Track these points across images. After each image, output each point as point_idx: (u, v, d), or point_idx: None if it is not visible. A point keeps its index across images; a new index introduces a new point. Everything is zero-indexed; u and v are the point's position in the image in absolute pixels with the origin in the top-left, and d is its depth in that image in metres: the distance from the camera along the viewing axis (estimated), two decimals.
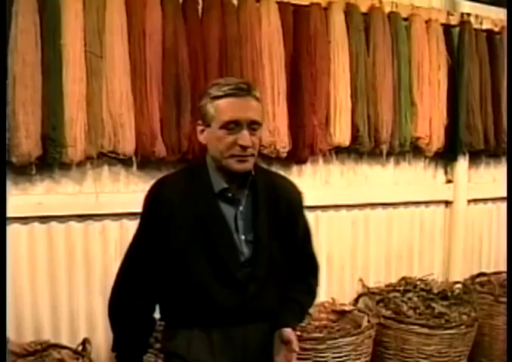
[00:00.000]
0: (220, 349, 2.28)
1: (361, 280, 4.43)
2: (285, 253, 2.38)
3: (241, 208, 2.29)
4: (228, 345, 2.28)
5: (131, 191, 3.62)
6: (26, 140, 3.17)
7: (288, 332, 2.29)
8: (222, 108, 2.18)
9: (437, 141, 4.50)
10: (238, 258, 2.26)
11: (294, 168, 4.14)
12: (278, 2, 3.88)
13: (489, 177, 5.07)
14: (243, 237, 2.27)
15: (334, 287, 4.35)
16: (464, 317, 4.03)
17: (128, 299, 2.30)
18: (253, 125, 2.20)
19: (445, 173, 4.84)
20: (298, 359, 3.37)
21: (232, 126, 2.17)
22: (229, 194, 2.27)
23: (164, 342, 2.46)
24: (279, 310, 2.36)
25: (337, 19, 4.05)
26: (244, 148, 2.18)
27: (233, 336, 2.28)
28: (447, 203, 4.85)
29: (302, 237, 2.49)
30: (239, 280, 2.24)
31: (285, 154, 3.89)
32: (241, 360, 2.30)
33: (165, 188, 2.28)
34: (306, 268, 2.54)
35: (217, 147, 2.20)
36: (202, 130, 2.27)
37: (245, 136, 2.17)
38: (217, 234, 2.24)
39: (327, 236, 4.33)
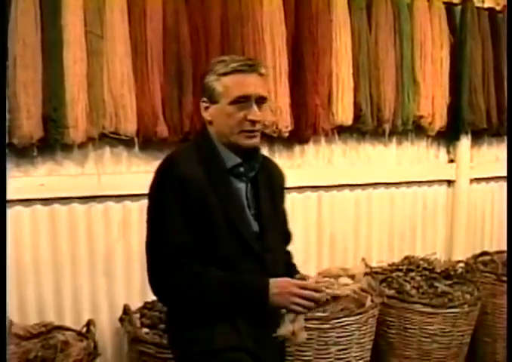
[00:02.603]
0: (244, 324, 2.29)
1: (364, 259, 4.42)
2: (280, 229, 2.49)
3: (249, 184, 2.34)
4: (250, 321, 2.29)
5: (133, 172, 3.60)
6: (28, 121, 3.16)
7: None
8: (232, 84, 2.23)
9: (440, 120, 4.50)
10: (252, 232, 2.31)
11: (297, 148, 4.12)
12: None
13: (492, 156, 5.06)
14: (252, 211, 2.33)
15: None
16: (467, 296, 4.04)
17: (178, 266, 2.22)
18: (260, 100, 2.27)
19: (448, 152, 4.83)
20: None
21: (242, 101, 2.23)
22: (242, 169, 2.32)
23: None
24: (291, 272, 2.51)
25: None
26: (253, 122, 2.24)
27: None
28: (449, 182, 4.84)
29: (285, 216, 2.60)
30: (256, 252, 2.28)
31: (287, 134, 3.88)
32: (259, 334, 2.31)
33: (181, 164, 2.25)
34: (288, 242, 2.66)
35: (227, 123, 2.25)
36: (207, 107, 2.30)
37: (255, 111, 2.24)
38: (233, 209, 2.28)
39: (330, 216, 4.32)
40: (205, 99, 2.30)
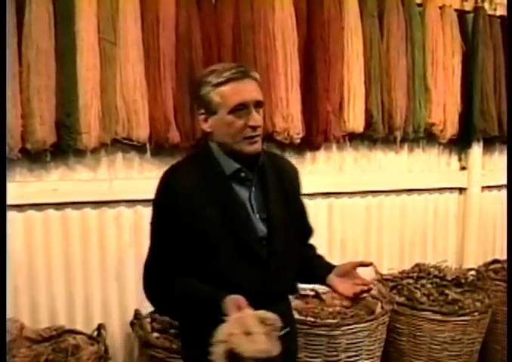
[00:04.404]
0: None
1: (374, 266, 4.41)
2: (295, 229, 2.44)
3: (253, 188, 2.32)
4: None
5: (144, 178, 3.62)
6: (41, 127, 3.19)
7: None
8: (228, 93, 2.21)
9: (451, 127, 4.49)
10: (257, 236, 2.29)
11: (308, 154, 4.13)
12: None
13: (503, 164, 5.03)
14: (258, 215, 2.31)
15: None
16: (478, 303, 4.03)
17: (162, 280, 2.30)
18: (258, 105, 2.26)
19: (459, 159, 4.82)
20: (311, 345, 3.42)
21: (241, 109, 2.21)
22: (243, 175, 2.30)
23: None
24: (316, 263, 2.52)
25: (351, 5, 4.04)
26: (254, 128, 2.23)
27: None
28: (461, 189, 4.83)
29: (303, 211, 2.57)
30: (261, 256, 2.27)
31: (298, 141, 3.89)
32: None
33: (178, 177, 2.28)
34: (309, 238, 2.63)
35: (228, 132, 2.23)
36: (206, 119, 2.28)
37: (254, 117, 2.22)
38: (236, 214, 2.26)
39: (341, 222, 4.33)
40: (202, 111, 2.28)
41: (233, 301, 2.09)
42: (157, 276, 2.28)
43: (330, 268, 2.43)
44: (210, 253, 2.24)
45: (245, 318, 2.02)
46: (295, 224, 2.45)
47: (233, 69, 2.24)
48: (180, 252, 2.24)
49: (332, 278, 2.38)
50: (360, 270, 4.15)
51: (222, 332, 1.98)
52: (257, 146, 2.28)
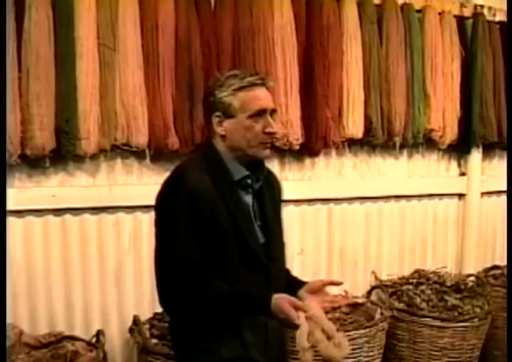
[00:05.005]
0: (249, 337, 2.30)
1: (374, 272, 4.42)
2: (282, 236, 2.50)
3: (254, 195, 2.35)
4: (255, 332, 2.31)
5: (144, 184, 3.62)
6: (40, 133, 3.19)
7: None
8: (249, 98, 2.24)
9: (451, 133, 4.49)
10: (259, 242, 2.32)
11: (307, 160, 4.13)
12: None
13: (503, 170, 5.03)
14: (258, 222, 2.35)
15: (347, 280, 4.32)
16: (478, 309, 4.03)
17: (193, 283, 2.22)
18: (272, 113, 2.32)
19: (459, 165, 4.82)
20: None
21: (260, 115, 2.25)
22: (249, 181, 2.32)
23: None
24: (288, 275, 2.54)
25: (350, 11, 4.04)
26: (270, 134, 2.28)
27: (257, 321, 2.30)
28: (460, 195, 4.83)
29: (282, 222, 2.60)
30: (263, 263, 2.30)
31: (297, 147, 3.89)
32: (263, 345, 2.34)
33: (191, 176, 2.24)
34: None
35: (245, 136, 2.25)
36: (221, 122, 2.28)
37: (272, 124, 2.28)
38: (244, 221, 2.28)
39: (340, 229, 4.32)
40: (218, 113, 2.27)
41: (286, 300, 2.11)
42: (185, 278, 2.19)
43: (300, 282, 2.44)
44: (220, 258, 2.24)
45: (319, 318, 2.09)
46: (282, 231, 2.50)
47: (255, 75, 2.29)
48: (204, 253, 2.21)
49: (302, 294, 2.35)
50: (360, 275, 4.19)
51: (305, 337, 2.02)
52: (269, 152, 2.33)
